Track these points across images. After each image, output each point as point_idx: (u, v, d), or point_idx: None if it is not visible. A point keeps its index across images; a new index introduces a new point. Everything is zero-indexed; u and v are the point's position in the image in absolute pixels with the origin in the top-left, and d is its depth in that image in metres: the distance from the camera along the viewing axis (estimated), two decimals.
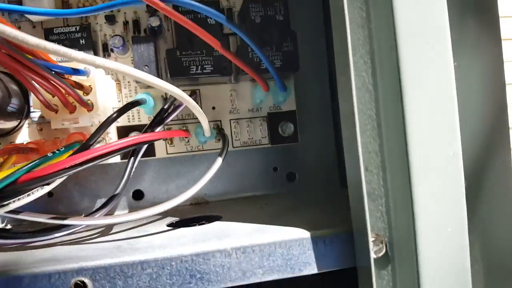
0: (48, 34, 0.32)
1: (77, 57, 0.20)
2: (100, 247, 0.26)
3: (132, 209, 0.37)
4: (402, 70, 0.24)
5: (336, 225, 0.27)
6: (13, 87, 0.32)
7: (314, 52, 0.40)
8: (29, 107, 0.33)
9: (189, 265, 0.24)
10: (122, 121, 0.35)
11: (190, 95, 0.32)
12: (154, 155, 0.36)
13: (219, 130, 0.33)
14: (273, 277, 0.25)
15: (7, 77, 0.32)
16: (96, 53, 0.34)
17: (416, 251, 0.24)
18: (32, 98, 0.29)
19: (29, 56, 0.26)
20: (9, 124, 0.32)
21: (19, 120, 0.33)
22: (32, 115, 0.34)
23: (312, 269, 0.25)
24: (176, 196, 0.27)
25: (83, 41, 0.31)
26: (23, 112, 0.33)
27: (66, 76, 0.28)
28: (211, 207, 0.37)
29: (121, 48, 0.32)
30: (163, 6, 0.26)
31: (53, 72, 0.26)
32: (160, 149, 0.36)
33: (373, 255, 0.24)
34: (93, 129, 0.33)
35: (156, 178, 0.38)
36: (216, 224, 0.30)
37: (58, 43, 0.20)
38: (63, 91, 0.27)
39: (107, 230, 0.30)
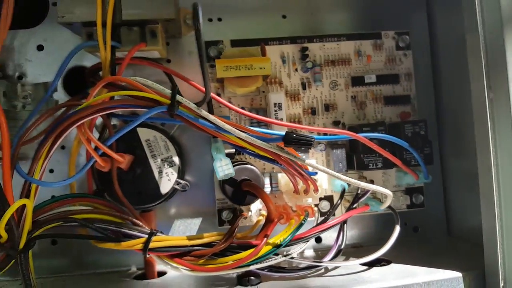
0: None
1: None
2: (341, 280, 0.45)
3: (316, 250, 0.56)
4: None
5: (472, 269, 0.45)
6: None
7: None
8: None
9: None
10: None
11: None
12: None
13: (388, 206, 0.52)
14: None
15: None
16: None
17: None
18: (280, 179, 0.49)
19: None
20: None
21: None
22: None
23: None
24: None
25: None
26: None
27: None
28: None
29: (325, 150, 0.52)
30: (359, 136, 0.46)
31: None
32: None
33: None
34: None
35: None
36: (395, 266, 0.49)
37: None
38: (310, 182, 0.47)
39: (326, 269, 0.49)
